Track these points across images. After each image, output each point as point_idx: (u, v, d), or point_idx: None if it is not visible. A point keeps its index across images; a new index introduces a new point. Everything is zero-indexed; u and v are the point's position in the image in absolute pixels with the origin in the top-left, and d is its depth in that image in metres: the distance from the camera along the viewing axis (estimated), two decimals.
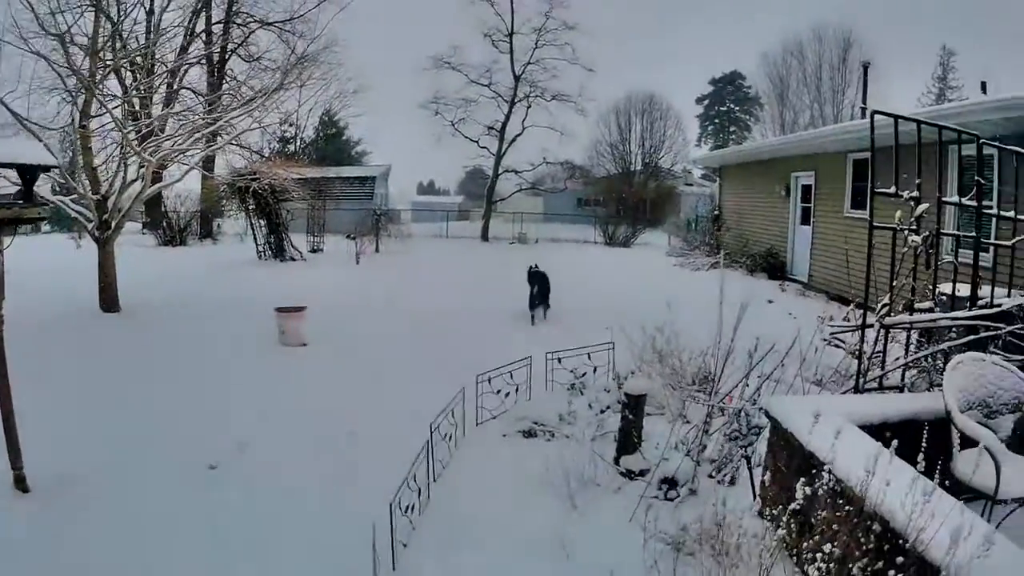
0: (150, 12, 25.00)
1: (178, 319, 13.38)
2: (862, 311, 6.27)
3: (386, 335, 12.20)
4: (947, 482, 4.24)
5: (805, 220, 20.58)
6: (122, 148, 13.47)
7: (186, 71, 25.64)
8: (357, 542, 4.66)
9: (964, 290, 6.89)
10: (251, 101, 16.02)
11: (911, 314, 6.42)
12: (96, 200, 13.59)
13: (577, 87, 43.14)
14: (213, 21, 33.69)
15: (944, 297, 7.17)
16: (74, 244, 25.50)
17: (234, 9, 34.50)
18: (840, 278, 14.99)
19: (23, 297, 9.30)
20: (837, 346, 7.63)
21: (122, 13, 15.79)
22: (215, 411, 8.08)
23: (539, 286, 14.09)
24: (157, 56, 17.76)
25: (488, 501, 5.91)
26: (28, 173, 5.73)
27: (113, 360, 10.33)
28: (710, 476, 6.11)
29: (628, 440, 6.39)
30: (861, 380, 6.13)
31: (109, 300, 13.89)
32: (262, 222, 24.31)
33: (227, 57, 33.94)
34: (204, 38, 32.44)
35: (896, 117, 6.17)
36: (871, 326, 6.18)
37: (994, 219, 7.36)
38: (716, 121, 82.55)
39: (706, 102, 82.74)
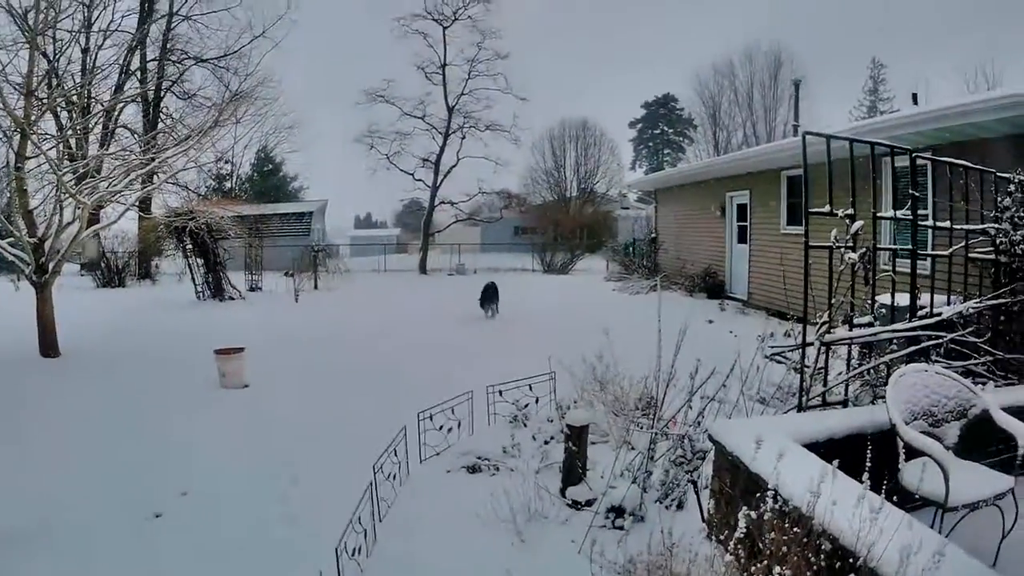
0: (85, 50, 24.87)
1: (118, 363, 13.09)
2: (802, 328, 6.31)
3: (327, 373, 12.06)
4: (896, 494, 4.29)
5: (742, 239, 20.84)
6: (58, 190, 13.24)
7: (122, 109, 25.53)
8: None
9: (903, 299, 6.99)
10: (187, 139, 15.87)
11: (851, 329, 6.49)
12: (33, 243, 13.34)
13: (511, 116, 43.44)
14: (148, 59, 33.53)
15: (883, 310, 7.27)
16: (12, 287, 25.14)
17: (168, 46, 34.42)
18: (779, 295, 15.16)
19: None
20: (779, 362, 7.69)
21: (58, 51, 15.66)
22: (157, 458, 7.89)
23: (491, 291, 19.07)
24: (93, 95, 17.62)
25: (435, 539, 5.85)
26: None
27: (52, 408, 10.09)
28: (657, 502, 6.11)
29: (573, 471, 6.39)
30: (804, 398, 6.18)
31: (48, 345, 13.62)
32: (200, 261, 23.97)
33: (162, 95, 33.77)
34: (139, 76, 32.23)
35: (827, 137, 6.27)
36: (811, 344, 6.23)
37: (930, 230, 7.48)
38: (650, 144, 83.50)
39: (639, 126, 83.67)
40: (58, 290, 14.48)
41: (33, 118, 12.98)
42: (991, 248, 7.40)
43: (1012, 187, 7.29)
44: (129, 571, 5.49)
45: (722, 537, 4.23)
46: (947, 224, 7.15)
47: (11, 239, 13.67)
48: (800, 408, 6.20)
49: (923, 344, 6.57)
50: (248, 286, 26.38)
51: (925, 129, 11.33)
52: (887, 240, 10.74)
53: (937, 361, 6.53)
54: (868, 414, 5.42)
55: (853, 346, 6.83)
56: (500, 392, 8.75)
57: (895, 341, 6.71)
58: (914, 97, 21.31)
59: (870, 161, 6.51)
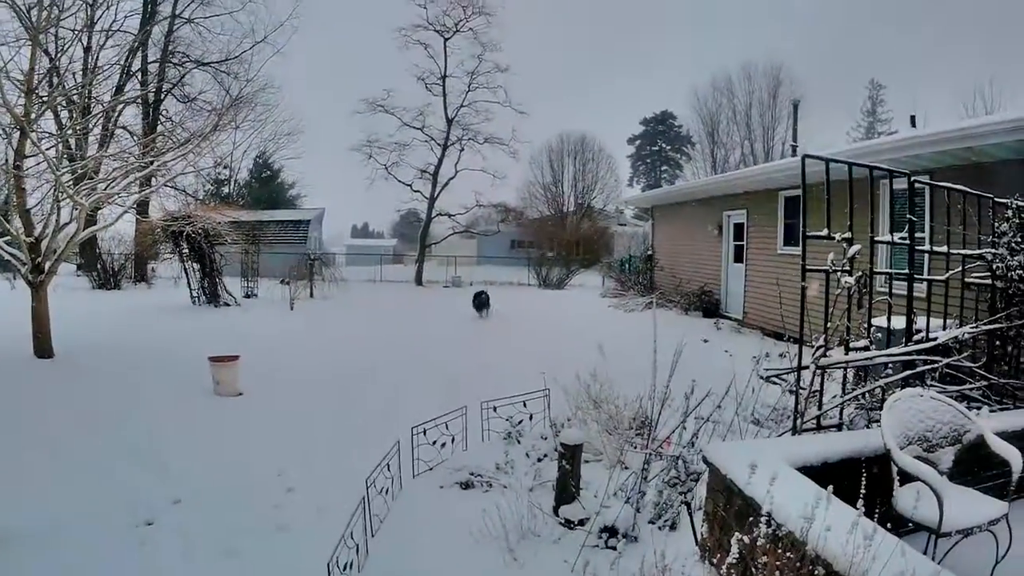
0: (87, 49, 24.83)
1: (112, 366, 13.04)
2: (798, 349, 6.30)
3: (322, 383, 12.00)
4: (889, 519, 4.28)
5: (738, 258, 20.88)
6: (56, 190, 13.22)
7: (121, 110, 25.45)
8: None
9: (900, 322, 6.98)
10: (186, 143, 15.84)
11: (847, 352, 6.48)
12: (29, 243, 13.32)
13: (509, 130, 43.40)
14: (149, 60, 33.50)
15: (879, 333, 7.27)
16: (7, 286, 25.12)
17: (170, 49, 34.35)
18: (775, 315, 15.16)
19: None
20: (775, 383, 7.69)
21: (60, 49, 15.63)
22: (150, 464, 7.84)
23: (483, 298, 22.69)
24: (93, 95, 17.57)
25: (427, 555, 5.83)
26: None
27: (46, 409, 10.05)
28: (651, 523, 6.10)
29: (566, 489, 6.37)
30: (799, 421, 6.17)
31: (42, 345, 13.56)
32: (196, 266, 23.93)
33: (162, 97, 33.71)
34: (140, 77, 32.21)
35: (827, 160, 6.27)
36: (807, 367, 6.22)
37: (926, 254, 7.49)
38: (648, 161, 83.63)
39: (638, 142, 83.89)
40: (54, 291, 14.48)
41: (33, 116, 12.96)
42: (987, 273, 7.41)
43: (1009, 212, 7.29)
44: None
45: (715, 560, 4.21)
46: (944, 249, 7.16)
47: (8, 237, 13.64)
48: (795, 431, 6.19)
49: (919, 369, 6.57)
50: (244, 292, 26.42)
51: (924, 152, 11.34)
52: (884, 262, 10.76)
53: (932, 385, 6.54)
54: (863, 438, 5.41)
55: (848, 369, 6.82)
56: (494, 408, 8.72)
57: (891, 365, 6.71)
58: (912, 120, 21.34)
59: (868, 184, 6.52)
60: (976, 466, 5.30)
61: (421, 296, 31.95)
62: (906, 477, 4.65)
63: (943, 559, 4.32)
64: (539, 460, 7.84)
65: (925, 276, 7.41)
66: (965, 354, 7.01)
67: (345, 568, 5.08)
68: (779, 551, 3.60)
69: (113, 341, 16.01)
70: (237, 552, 5.87)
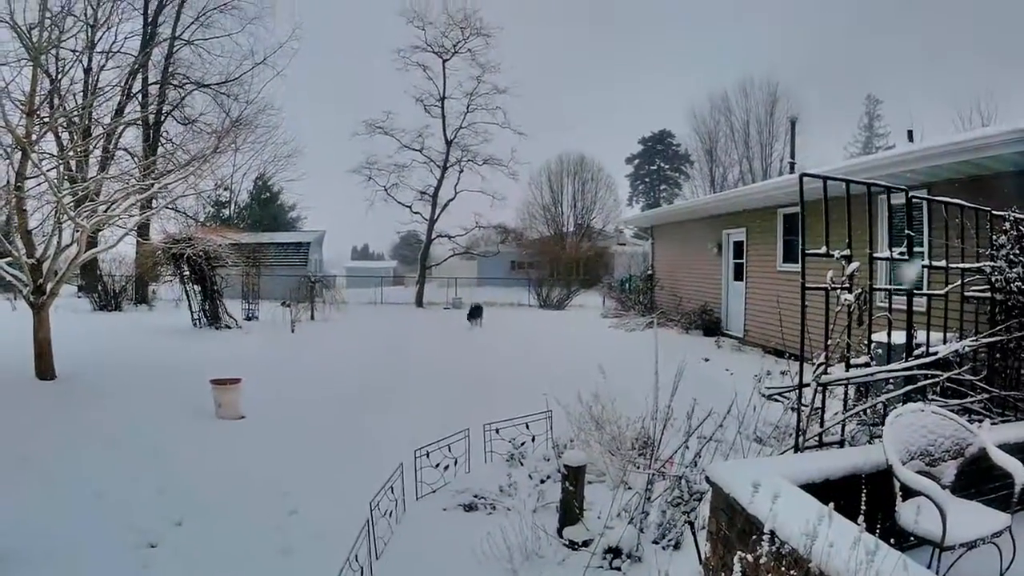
0: (88, 71, 24.93)
1: (114, 389, 13.03)
2: (799, 367, 6.30)
3: (324, 406, 11.99)
4: (892, 534, 4.29)
5: (738, 276, 20.91)
6: (57, 212, 13.25)
7: (122, 132, 25.55)
8: None
9: (900, 337, 6.98)
10: (187, 166, 15.87)
11: (848, 369, 6.48)
12: (31, 264, 13.36)
13: (508, 151, 43.51)
14: (149, 82, 33.61)
15: (880, 349, 7.27)
16: (9, 307, 25.14)
17: (170, 70, 34.48)
18: (776, 333, 15.15)
19: None
20: (777, 400, 7.68)
21: (61, 71, 15.71)
22: (152, 486, 7.84)
23: (477, 310, 26.67)
24: (94, 116, 17.66)
25: None
26: None
27: (47, 431, 10.04)
28: (655, 543, 6.09)
29: (570, 511, 6.37)
30: (801, 438, 6.16)
31: (44, 367, 13.56)
32: (197, 288, 23.94)
33: (163, 119, 33.78)
34: (140, 99, 32.31)
35: (824, 178, 6.27)
36: (808, 385, 6.22)
37: (925, 269, 7.50)
38: (647, 180, 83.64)
39: (636, 161, 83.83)
40: (55, 312, 14.47)
41: (34, 137, 13.02)
42: (986, 286, 7.42)
43: (1007, 225, 7.31)
44: None
45: None
46: (943, 263, 7.17)
47: (9, 259, 13.67)
48: (797, 448, 6.17)
49: (920, 383, 6.57)
50: (244, 315, 26.40)
51: (921, 167, 11.37)
52: (883, 277, 10.77)
53: (934, 399, 6.53)
54: (865, 454, 5.40)
55: (850, 386, 6.82)
56: (497, 430, 8.74)
57: (892, 380, 6.71)
58: (909, 134, 21.44)
59: (867, 200, 6.53)
60: (979, 479, 5.31)
61: (422, 318, 31.96)
62: (909, 492, 4.65)
63: (947, 572, 4.33)
64: (542, 481, 7.85)
65: (924, 291, 7.41)
66: (966, 367, 7.00)
67: None
68: (782, 569, 3.60)
69: (115, 363, 15.99)
70: (241, 572, 5.89)
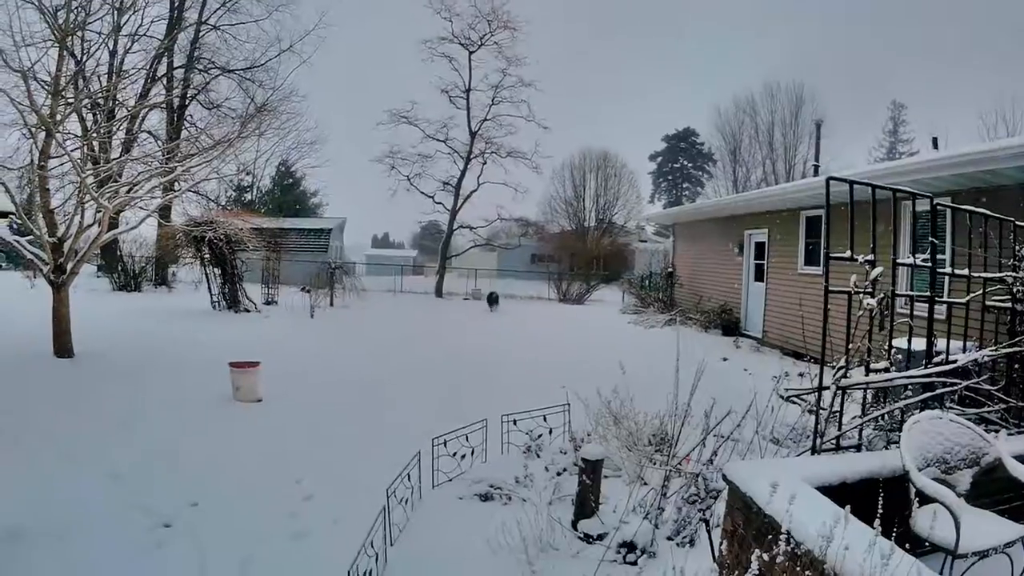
0: (113, 53, 25.01)
1: (132, 368, 13.16)
2: (819, 371, 6.30)
3: (342, 392, 12.06)
4: (907, 539, 4.31)
5: (759, 277, 20.84)
6: (79, 192, 13.37)
7: (146, 115, 25.67)
8: None
9: (920, 344, 6.98)
10: (211, 150, 15.92)
11: (867, 374, 6.49)
12: (52, 243, 13.48)
13: (532, 144, 43.46)
14: (174, 66, 33.73)
15: (900, 355, 7.27)
16: (28, 284, 25.32)
17: (196, 55, 34.61)
18: (795, 334, 15.16)
19: None
20: (795, 403, 7.69)
21: (86, 53, 15.78)
22: (168, 467, 7.92)
23: (494, 297, 30.81)
24: (118, 99, 17.74)
25: (445, 565, 5.87)
26: None
27: (64, 409, 10.15)
28: (669, 539, 6.10)
29: (586, 504, 6.40)
30: (819, 440, 6.17)
31: (62, 345, 13.70)
32: (217, 271, 24.10)
33: (187, 103, 33.91)
34: (165, 83, 32.44)
35: (850, 182, 6.27)
36: (827, 388, 6.23)
37: (947, 276, 7.50)
38: (669, 178, 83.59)
39: (659, 159, 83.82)
40: (74, 291, 14.57)
41: (59, 117, 13.10)
42: (1008, 296, 7.41)
43: None
44: None
45: None
46: (965, 272, 7.17)
47: (31, 237, 13.77)
48: (814, 451, 6.19)
49: (938, 391, 6.58)
50: (264, 299, 26.53)
51: (945, 174, 11.33)
52: (904, 283, 10.76)
53: (951, 408, 6.54)
54: (881, 459, 5.40)
55: (868, 390, 6.83)
56: (514, 421, 8.75)
57: (910, 387, 6.72)
58: (934, 141, 21.33)
59: (891, 205, 6.54)
60: (993, 489, 5.30)
61: (441, 308, 31.99)
62: (924, 498, 4.65)
63: None
64: (558, 474, 7.84)
65: (946, 298, 7.40)
66: (984, 377, 6.99)
67: (364, 575, 5.11)
68: (798, 569, 3.63)
69: (133, 343, 16.12)
70: (255, 556, 5.92)
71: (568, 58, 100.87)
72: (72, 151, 13.57)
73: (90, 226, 14.06)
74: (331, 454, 8.71)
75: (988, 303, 7.45)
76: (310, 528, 6.53)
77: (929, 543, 4.51)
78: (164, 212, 24.64)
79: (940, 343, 7.00)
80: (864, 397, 6.78)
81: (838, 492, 4.70)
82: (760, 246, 20.83)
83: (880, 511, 3.78)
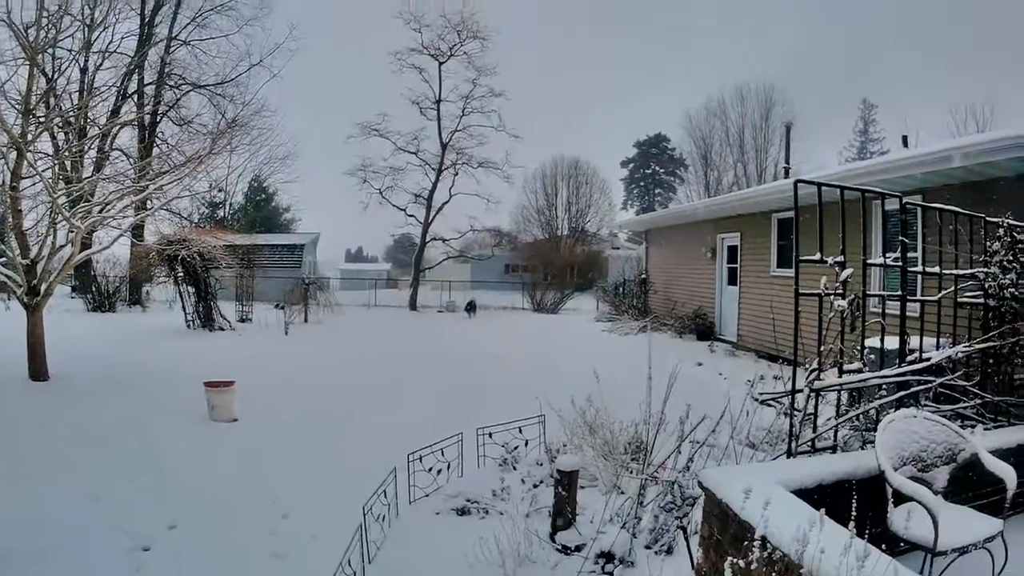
0: (84, 71, 24.85)
1: (108, 390, 13.01)
2: (792, 372, 6.30)
3: (317, 409, 11.99)
4: (884, 539, 4.28)
5: (732, 281, 20.92)
6: (52, 212, 13.24)
7: (117, 132, 25.54)
8: None
9: (893, 342, 6.99)
10: (182, 167, 15.82)
11: (841, 375, 6.48)
12: (25, 265, 13.35)
13: (503, 154, 43.45)
14: (145, 82, 33.57)
15: (873, 355, 7.27)
16: (2, 307, 25.11)
17: (166, 71, 34.44)
18: (769, 337, 15.19)
19: None
20: (770, 405, 7.69)
21: (57, 70, 15.67)
22: (146, 489, 7.83)
23: (472, 304, 31.71)
24: (90, 116, 17.63)
25: None
26: None
27: (40, 433, 10.04)
28: (647, 548, 6.09)
29: (562, 515, 6.37)
30: (794, 443, 6.16)
31: (37, 368, 13.57)
32: (191, 290, 23.90)
33: (158, 120, 33.74)
34: (136, 99, 32.28)
35: (818, 184, 6.27)
36: (801, 391, 6.22)
37: (919, 275, 7.51)
38: (642, 184, 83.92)
39: (631, 165, 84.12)
40: (48, 312, 14.45)
41: (30, 136, 13.00)
42: (980, 292, 7.44)
43: (1001, 231, 7.33)
44: None
45: None
46: (936, 269, 7.18)
47: (3, 259, 13.65)
48: (790, 453, 6.18)
49: (913, 389, 6.58)
50: (238, 317, 26.34)
51: (916, 172, 11.36)
52: (876, 282, 10.78)
53: (926, 405, 6.55)
54: (857, 460, 5.40)
55: (843, 391, 6.83)
56: (490, 434, 8.72)
57: (885, 386, 6.72)
58: (904, 140, 21.52)
59: (861, 206, 6.55)
60: (971, 484, 5.32)
61: (415, 321, 31.83)
62: (901, 497, 4.66)
63: None
64: (535, 486, 7.82)
65: (918, 297, 7.41)
66: (959, 373, 7.02)
67: None
68: (774, 575, 3.61)
69: (108, 364, 15.95)
70: None
71: (538, 67, 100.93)
72: (43, 171, 13.44)
73: (63, 247, 13.96)
74: (308, 471, 8.66)
75: (961, 299, 7.47)
76: (289, 547, 6.48)
77: (908, 542, 4.52)
78: (137, 231, 24.47)
79: (914, 341, 7.01)
80: (839, 398, 6.77)
81: (815, 494, 4.69)
82: (733, 250, 20.91)
83: (857, 512, 3.76)
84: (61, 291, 25.04)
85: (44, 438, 9.76)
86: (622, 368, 8.86)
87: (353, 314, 31.64)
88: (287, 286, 29.55)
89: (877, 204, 9.95)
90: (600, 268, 59.05)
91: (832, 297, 6.20)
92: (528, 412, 9.08)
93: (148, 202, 17.07)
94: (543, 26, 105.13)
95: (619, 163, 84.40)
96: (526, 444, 8.86)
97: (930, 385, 6.66)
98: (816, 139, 79.54)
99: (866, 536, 3.55)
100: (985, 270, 7.35)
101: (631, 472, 7.26)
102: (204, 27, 35.17)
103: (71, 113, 16.74)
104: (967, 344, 7.14)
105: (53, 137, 17.45)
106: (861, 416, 6.73)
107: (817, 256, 6.14)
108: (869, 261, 6.71)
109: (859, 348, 6.76)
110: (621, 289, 32.74)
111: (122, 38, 30.64)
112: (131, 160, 24.11)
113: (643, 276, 29.08)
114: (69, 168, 15.85)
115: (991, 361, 7.27)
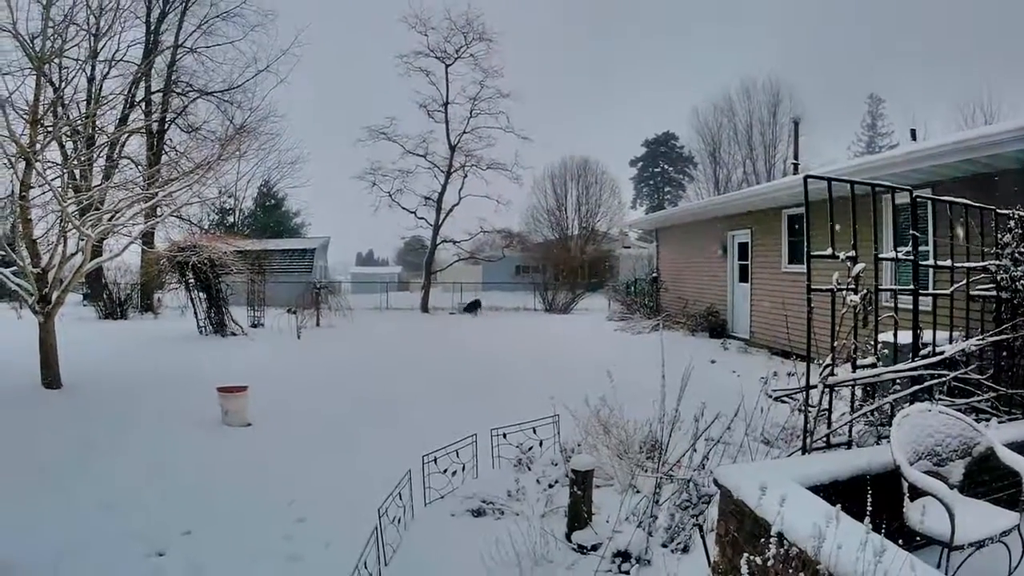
0: (91, 80, 24.91)
1: (121, 397, 13.07)
2: (806, 368, 6.28)
3: (331, 412, 11.97)
4: (901, 534, 4.28)
5: (743, 278, 20.88)
6: (62, 221, 13.28)
7: (126, 140, 25.59)
8: None
9: (906, 336, 6.96)
10: (191, 173, 15.84)
11: (854, 370, 6.47)
12: (36, 274, 13.37)
13: (512, 155, 43.40)
14: (152, 90, 33.64)
15: (886, 349, 7.25)
16: (14, 315, 25.19)
17: (173, 78, 34.54)
18: (782, 334, 15.14)
19: None
20: (784, 402, 7.67)
21: (64, 79, 15.71)
22: (160, 494, 7.85)
23: (476, 303, 32.85)
24: (98, 125, 17.68)
25: None
26: None
27: (54, 441, 10.04)
28: (663, 546, 6.08)
29: (578, 515, 6.37)
30: (808, 440, 6.15)
31: (50, 376, 13.56)
32: (202, 296, 23.95)
33: (166, 127, 33.81)
34: (143, 107, 32.34)
35: (829, 179, 6.25)
36: (815, 386, 6.21)
37: (931, 268, 7.48)
38: (651, 182, 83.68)
39: (640, 164, 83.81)
40: (60, 320, 14.49)
41: (38, 146, 13.03)
42: (992, 284, 7.41)
43: (1012, 223, 7.30)
44: None
45: None
46: (948, 263, 7.16)
47: (14, 268, 13.68)
48: (804, 450, 6.17)
49: (926, 383, 6.56)
50: (250, 322, 26.35)
51: (925, 166, 11.32)
52: (888, 276, 10.74)
53: (940, 399, 6.53)
54: (872, 455, 5.38)
55: (856, 386, 6.81)
56: (504, 435, 8.73)
57: (898, 380, 6.70)
58: (912, 133, 21.45)
59: (871, 200, 6.53)
60: (986, 478, 5.30)
61: (427, 323, 31.86)
62: (917, 492, 4.64)
63: (956, 572, 4.33)
64: (550, 486, 7.82)
65: (930, 290, 7.38)
66: (972, 366, 6.99)
67: None
68: (790, 571, 3.60)
69: (121, 371, 16.01)
70: None
71: (545, 67, 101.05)
72: (52, 180, 13.48)
73: (73, 255, 13.99)
74: (322, 476, 8.65)
75: (973, 292, 7.44)
76: (304, 551, 6.48)
77: (924, 536, 4.50)
78: (147, 238, 24.52)
79: (927, 335, 6.99)
80: (852, 394, 6.75)
81: (830, 490, 4.68)
82: (743, 247, 20.87)
83: (872, 507, 3.75)
84: (73, 299, 25.15)
85: (58, 446, 9.77)
86: (635, 367, 8.84)
87: (365, 317, 31.59)
88: (298, 291, 29.58)
89: (887, 199, 9.96)
90: (611, 267, 59.06)
91: (844, 292, 6.18)
92: (542, 412, 9.07)
93: (158, 209, 17.08)
94: (548, 26, 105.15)
95: (628, 162, 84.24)
96: (541, 444, 8.87)
97: (944, 379, 6.64)
98: (824, 135, 79.35)
99: (882, 531, 3.52)
100: (997, 263, 7.32)
101: (646, 471, 7.25)
102: (210, 34, 35.39)
103: (79, 122, 16.77)
104: (980, 337, 7.11)
105: (62, 146, 17.55)
106: (875, 411, 6.71)
107: (828, 251, 6.12)
108: (880, 255, 6.69)
109: (872, 343, 6.74)
110: (632, 288, 32.68)
111: (128, 47, 30.80)
112: (140, 168, 24.16)
113: (654, 275, 29.00)
114: (78, 177, 15.86)
115: (1004, 354, 7.23)
